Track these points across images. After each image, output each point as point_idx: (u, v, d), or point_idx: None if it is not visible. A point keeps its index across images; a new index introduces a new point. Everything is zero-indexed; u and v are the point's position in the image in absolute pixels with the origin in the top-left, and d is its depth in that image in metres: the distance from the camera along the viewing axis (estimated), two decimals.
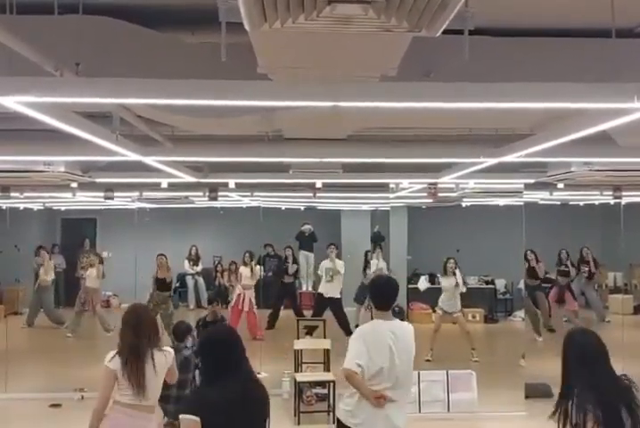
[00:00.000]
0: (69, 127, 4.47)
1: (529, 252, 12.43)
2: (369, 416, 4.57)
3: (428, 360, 10.19)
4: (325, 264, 12.23)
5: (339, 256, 12.73)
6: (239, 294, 12.16)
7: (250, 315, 12.07)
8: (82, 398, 8.44)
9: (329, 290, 11.92)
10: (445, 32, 3.04)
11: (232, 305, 12.23)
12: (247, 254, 12.57)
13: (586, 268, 13.83)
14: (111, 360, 4.60)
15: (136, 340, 4.60)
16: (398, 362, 4.58)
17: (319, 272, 12.55)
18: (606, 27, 3.78)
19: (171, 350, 4.92)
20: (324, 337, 9.02)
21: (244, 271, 12.41)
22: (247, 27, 2.73)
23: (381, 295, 4.76)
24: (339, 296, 11.85)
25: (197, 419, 3.34)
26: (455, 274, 11.01)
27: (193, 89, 3.48)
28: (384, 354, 4.56)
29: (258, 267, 12.51)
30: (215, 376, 3.50)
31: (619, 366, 3.79)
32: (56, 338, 12.30)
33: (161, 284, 11.50)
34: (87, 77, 3.79)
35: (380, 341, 4.59)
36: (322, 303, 11.88)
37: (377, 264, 12.41)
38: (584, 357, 3.63)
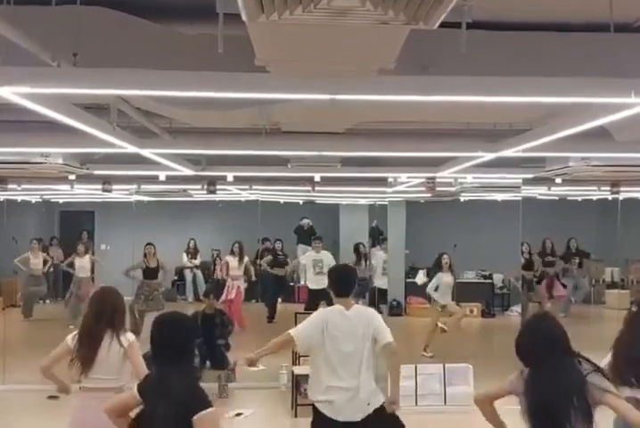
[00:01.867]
0: (67, 118, 4.47)
1: (524, 245, 12.44)
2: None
3: (431, 357, 10.20)
4: (312, 256, 12.25)
5: (336, 249, 12.75)
6: (227, 286, 12.14)
7: (233, 303, 12.02)
8: (80, 389, 8.43)
9: (319, 282, 11.95)
10: (444, 26, 3.04)
11: (222, 298, 12.20)
12: (236, 244, 12.54)
13: (576, 260, 13.94)
14: (73, 338, 4.73)
15: (94, 322, 4.66)
16: (347, 346, 4.70)
17: (302, 261, 12.56)
18: (605, 21, 3.78)
19: (131, 337, 4.79)
20: None
21: (232, 261, 12.38)
22: (244, 18, 2.73)
23: (339, 283, 4.88)
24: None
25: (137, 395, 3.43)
26: (451, 269, 11.00)
27: (191, 81, 3.48)
28: (332, 337, 4.69)
29: (246, 258, 12.48)
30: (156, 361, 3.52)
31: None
32: (55, 330, 12.27)
33: (149, 273, 11.46)
34: (85, 67, 3.78)
35: (333, 323, 4.73)
36: (313, 296, 11.91)
37: (381, 256, 12.41)
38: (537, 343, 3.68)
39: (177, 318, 3.73)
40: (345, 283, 4.90)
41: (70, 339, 4.74)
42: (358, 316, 4.82)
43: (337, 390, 4.67)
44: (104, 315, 4.67)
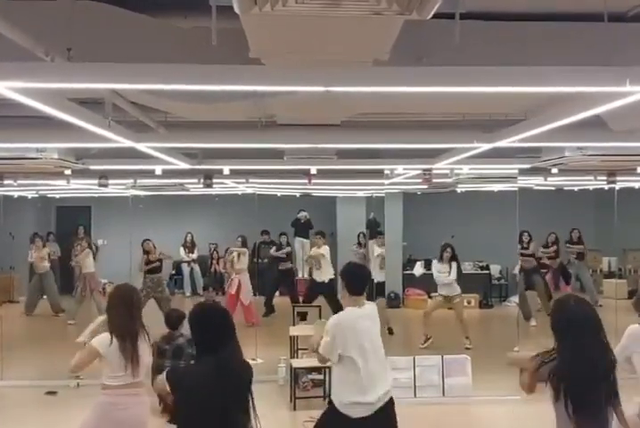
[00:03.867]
0: (61, 113, 4.46)
1: (525, 234, 12.45)
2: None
3: (424, 347, 10.22)
4: (312, 252, 12.34)
5: (334, 242, 12.72)
6: (231, 280, 12.20)
7: (239, 299, 12.07)
8: (78, 385, 8.46)
9: (318, 275, 12.04)
10: (438, 17, 3.03)
11: (226, 291, 12.28)
12: (239, 238, 12.56)
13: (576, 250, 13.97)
14: (100, 341, 4.70)
15: (129, 321, 4.69)
16: (369, 343, 4.77)
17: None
18: (599, 11, 3.78)
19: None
20: None
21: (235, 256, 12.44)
22: (237, 10, 2.72)
23: (354, 281, 4.90)
24: (329, 280, 11.91)
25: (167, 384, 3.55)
26: (450, 262, 10.96)
27: (186, 74, 3.47)
28: (358, 340, 4.74)
29: (245, 250, 12.49)
30: (205, 348, 3.62)
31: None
32: (54, 326, 12.32)
33: (152, 267, 11.50)
34: (79, 62, 3.77)
35: (354, 328, 4.76)
36: (313, 288, 11.97)
37: (379, 251, 12.41)
38: (571, 323, 3.69)
39: (216, 304, 4.07)
40: (359, 282, 4.94)
41: (100, 345, 4.69)
42: (373, 314, 4.92)
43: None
44: (135, 313, 4.74)
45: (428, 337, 10.63)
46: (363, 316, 4.82)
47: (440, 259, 11.02)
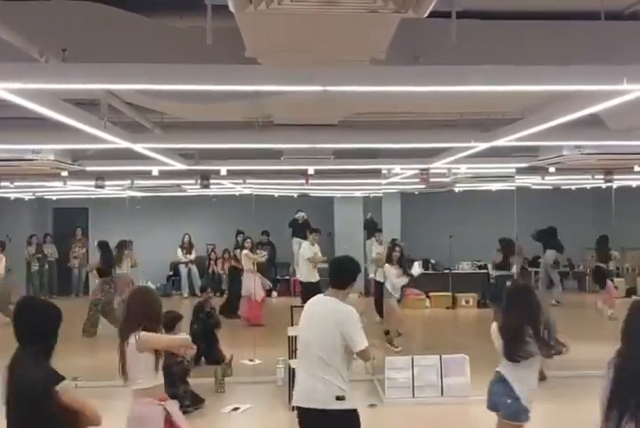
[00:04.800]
0: (57, 114, 4.44)
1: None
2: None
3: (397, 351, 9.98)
4: (313, 249, 12.25)
5: (331, 242, 12.69)
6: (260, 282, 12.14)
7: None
8: (76, 386, 8.42)
9: (305, 276, 12.01)
10: (434, 15, 3.02)
11: (260, 294, 12.13)
12: (248, 240, 12.48)
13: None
14: None
15: (124, 322, 4.65)
16: (313, 335, 4.75)
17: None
18: (596, 9, 3.78)
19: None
20: None
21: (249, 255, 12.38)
22: (232, 8, 2.70)
23: (330, 274, 4.89)
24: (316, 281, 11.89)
25: None
26: (399, 263, 10.51)
27: (182, 74, 3.46)
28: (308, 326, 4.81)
29: (245, 251, 12.48)
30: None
31: (611, 347, 3.80)
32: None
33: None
34: (74, 62, 3.75)
35: (309, 312, 4.84)
36: (304, 288, 11.96)
37: (378, 250, 12.35)
38: None
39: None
40: (334, 275, 4.83)
41: None
42: (333, 312, 4.71)
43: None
44: (132, 315, 4.60)
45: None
46: (325, 307, 4.76)
47: (390, 262, 10.50)
